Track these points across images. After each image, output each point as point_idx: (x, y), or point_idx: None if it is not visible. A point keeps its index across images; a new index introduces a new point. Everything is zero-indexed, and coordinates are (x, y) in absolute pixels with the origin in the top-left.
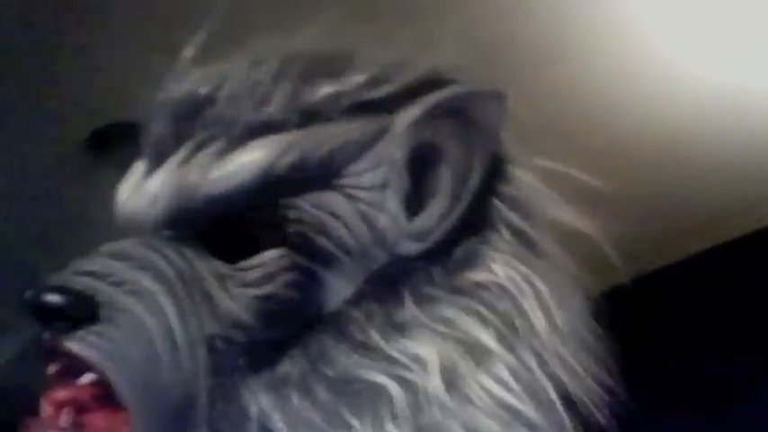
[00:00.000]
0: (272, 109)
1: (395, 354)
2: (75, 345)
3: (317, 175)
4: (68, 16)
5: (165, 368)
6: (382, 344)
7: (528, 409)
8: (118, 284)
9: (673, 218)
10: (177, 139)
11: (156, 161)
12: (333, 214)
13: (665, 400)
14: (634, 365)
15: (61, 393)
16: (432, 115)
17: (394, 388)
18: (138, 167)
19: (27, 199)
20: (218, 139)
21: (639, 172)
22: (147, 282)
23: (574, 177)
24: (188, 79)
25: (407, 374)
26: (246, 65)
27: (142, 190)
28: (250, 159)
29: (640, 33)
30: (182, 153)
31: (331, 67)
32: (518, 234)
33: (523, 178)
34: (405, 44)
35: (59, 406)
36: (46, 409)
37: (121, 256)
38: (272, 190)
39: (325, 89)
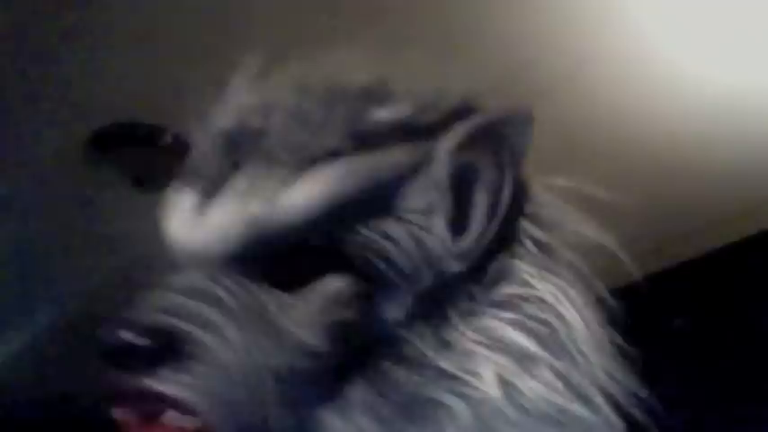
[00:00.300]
0: (329, 137)
1: (453, 370)
2: (161, 384)
3: (374, 199)
4: (69, 16)
5: (244, 402)
6: (439, 362)
7: (581, 411)
8: (192, 320)
9: (673, 220)
10: (229, 170)
11: (209, 192)
12: (390, 238)
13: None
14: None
15: None
16: (471, 139)
17: (457, 404)
18: (186, 199)
19: (28, 200)
20: (279, 169)
21: (640, 175)
22: (216, 316)
23: (581, 189)
24: (234, 108)
25: (467, 390)
26: (291, 92)
27: (203, 222)
28: (316, 187)
29: (644, 38)
30: (240, 184)
31: (375, 94)
32: (542, 247)
33: (541, 195)
34: (428, 72)
35: None
36: None
37: (190, 292)
38: (335, 216)
39: (377, 116)
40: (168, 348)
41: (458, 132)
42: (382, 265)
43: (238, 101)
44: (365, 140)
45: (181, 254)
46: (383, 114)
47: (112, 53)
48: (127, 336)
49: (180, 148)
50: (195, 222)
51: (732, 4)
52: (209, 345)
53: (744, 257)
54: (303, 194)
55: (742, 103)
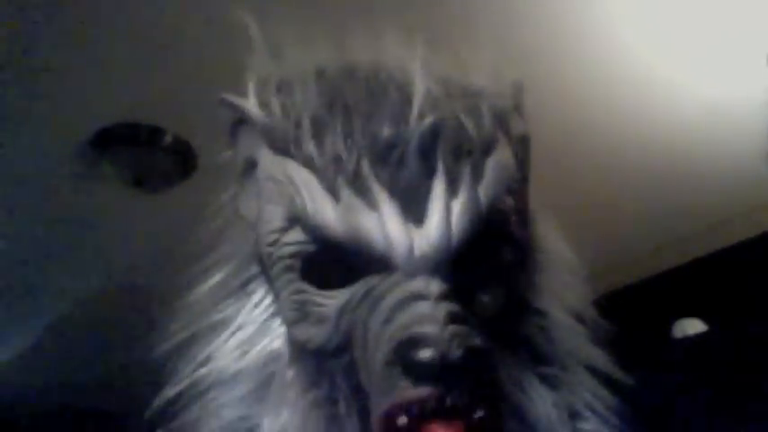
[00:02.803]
0: (486, 129)
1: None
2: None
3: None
4: (70, 16)
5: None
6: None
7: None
8: (469, 325)
9: (672, 224)
10: (425, 174)
11: (415, 199)
12: (514, 209)
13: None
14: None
15: None
16: (509, 115)
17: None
18: (388, 208)
19: (28, 200)
20: (465, 165)
21: (639, 179)
22: (465, 316)
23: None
24: (426, 110)
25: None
26: (446, 93)
27: (426, 228)
28: (500, 174)
29: (636, 51)
30: (441, 185)
31: (485, 91)
32: None
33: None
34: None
35: None
36: None
37: (453, 297)
38: (507, 198)
39: (499, 104)
40: (475, 355)
41: (513, 111)
42: (517, 233)
43: (419, 104)
44: (498, 128)
45: (408, 261)
46: (498, 105)
47: (113, 53)
48: (439, 350)
49: (180, 149)
50: (415, 228)
51: (723, 19)
52: (482, 346)
53: (740, 261)
54: (494, 181)
55: (736, 114)
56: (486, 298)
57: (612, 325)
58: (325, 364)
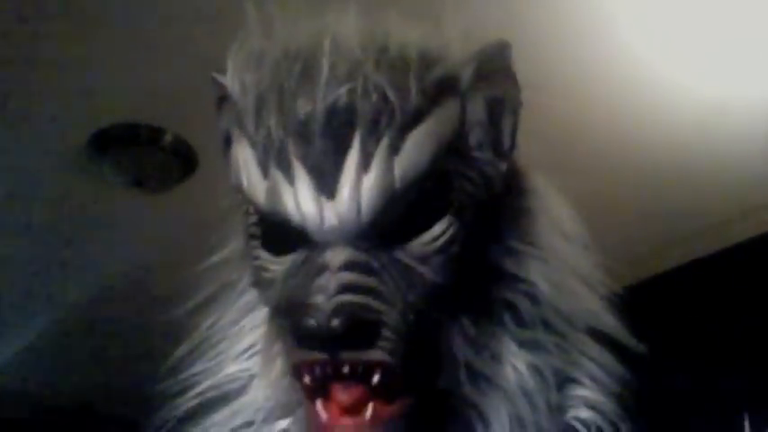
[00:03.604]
0: (412, 99)
1: (515, 273)
2: (363, 354)
3: (454, 148)
4: (70, 16)
5: (415, 341)
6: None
7: None
8: (365, 292)
9: (671, 225)
10: (338, 148)
11: (327, 171)
12: (467, 177)
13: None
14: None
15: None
16: (486, 76)
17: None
18: (302, 183)
19: (28, 200)
20: (384, 138)
21: (638, 180)
22: (375, 283)
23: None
24: (322, 89)
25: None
26: (365, 63)
27: (337, 200)
28: (423, 147)
29: (637, 51)
30: (353, 159)
31: (428, 56)
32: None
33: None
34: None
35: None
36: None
37: (350, 266)
38: (438, 168)
39: (433, 76)
40: (358, 324)
41: (476, 74)
42: (466, 200)
43: (324, 80)
44: (433, 99)
45: (319, 233)
46: (437, 74)
47: (113, 54)
48: (319, 320)
49: (180, 149)
50: (321, 200)
51: (726, 18)
52: (383, 310)
53: (737, 263)
54: (415, 155)
55: (736, 113)
56: (421, 267)
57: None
58: (281, 322)
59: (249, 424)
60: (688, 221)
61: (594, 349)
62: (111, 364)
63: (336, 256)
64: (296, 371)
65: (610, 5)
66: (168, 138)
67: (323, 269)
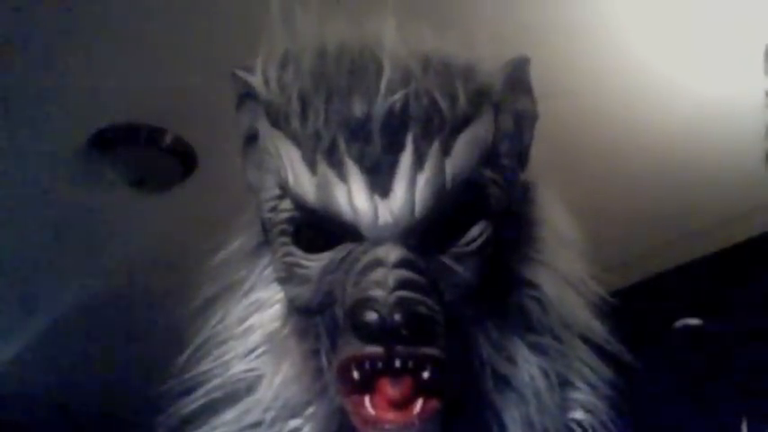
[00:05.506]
0: (461, 105)
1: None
2: (418, 349)
3: (489, 156)
4: (70, 17)
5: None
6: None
7: None
8: (418, 290)
9: (670, 225)
10: (393, 149)
11: (381, 171)
12: (497, 184)
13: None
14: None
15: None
16: (512, 89)
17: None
18: (356, 181)
19: (28, 200)
20: (434, 141)
21: (638, 180)
22: (424, 282)
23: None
24: (378, 92)
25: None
26: (416, 69)
27: (391, 199)
28: (469, 151)
29: (636, 52)
30: (408, 159)
31: (469, 66)
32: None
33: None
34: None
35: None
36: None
37: (403, 263)
38: (480, 172)
39: (477, 83)
40: (418, 319)
41: (506, 86)
42: (496, 205)
43: (386, 83)
44: (476, 106)
45: (372, 230)
46: (476, 83)
47: (112, 54)
48: (382, 313)
49: (180, 149)
50: (381, 199)
51: (724, 18)
52: (436, 309)
53: (735, 264)
54: (463, 158)
55: (734, 115)
56: (459, 268)
57: (612, 325)
58: (311, 320)
59: (258, 424)
60: (688, 222)
61: (588, 354)
62: (111, 364)
63: (391, 252)
64: (344, 366)
65: (609, 6)
66: (168, 138)
67: (376, 265)
